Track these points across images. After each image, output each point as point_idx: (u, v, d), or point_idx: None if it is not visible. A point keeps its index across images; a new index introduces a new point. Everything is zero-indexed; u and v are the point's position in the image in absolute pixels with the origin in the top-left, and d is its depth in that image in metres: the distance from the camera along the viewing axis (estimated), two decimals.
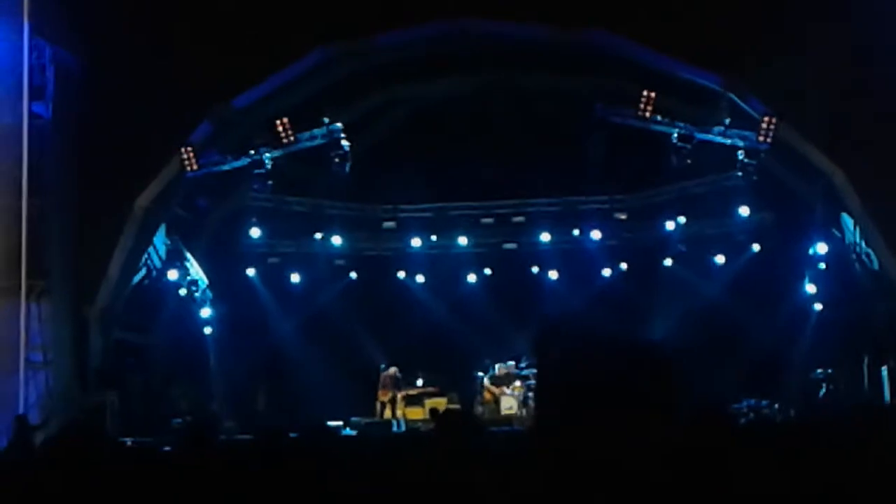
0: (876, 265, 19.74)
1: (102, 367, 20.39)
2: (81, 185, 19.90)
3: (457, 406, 23.69)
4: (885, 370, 19.49)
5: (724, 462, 3.72)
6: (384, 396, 23.77)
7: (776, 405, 21.36)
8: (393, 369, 24.08)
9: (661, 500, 2.83)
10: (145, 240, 21.25)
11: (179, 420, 20.12)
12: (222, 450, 4.92)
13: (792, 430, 5.05)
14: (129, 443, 13.50)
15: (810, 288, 23.16)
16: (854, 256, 20.73)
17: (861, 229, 19.95)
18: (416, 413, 23.47)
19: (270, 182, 21.41)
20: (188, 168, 20.38)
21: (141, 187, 20.37)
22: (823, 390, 21.99)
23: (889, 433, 3.44)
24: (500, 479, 3.73)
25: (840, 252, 21.51)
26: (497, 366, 24.23)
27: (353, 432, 21.10)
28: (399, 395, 23.78)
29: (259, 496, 3.90)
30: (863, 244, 20.05)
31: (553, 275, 26.57)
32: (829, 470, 3.42)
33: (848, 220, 20.42)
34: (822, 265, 22.48)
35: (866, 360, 20.39)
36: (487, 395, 23.86)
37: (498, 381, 24.01)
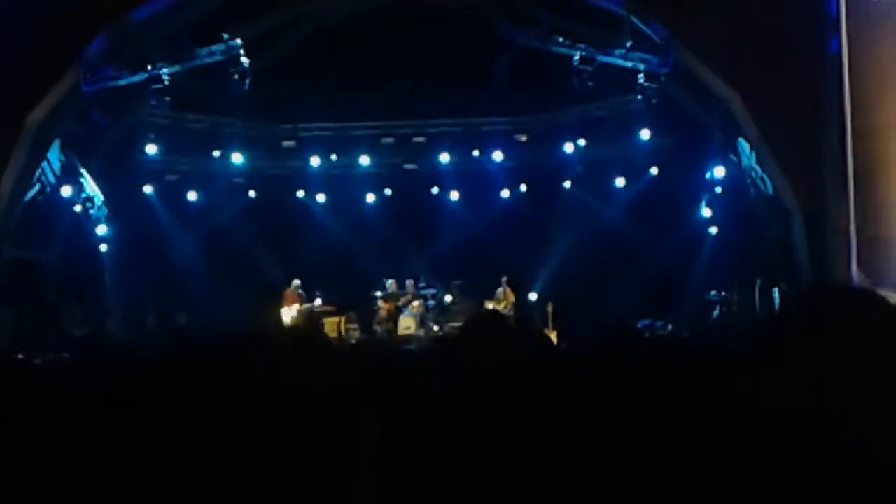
0: (770, 189, 20.05)
1: None
2: None
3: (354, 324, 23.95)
4: (776, 292, 19.88)
5: (635, 378, 3.78)
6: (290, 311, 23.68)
7: (670, 326, 21.75)
8: (295, 283, 24.05)
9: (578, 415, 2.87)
10: (38, 155, 20.70)
11: (74, 337, 19.87)
12: (115, 365, 4.87)
13: (686, 349, 5.15)
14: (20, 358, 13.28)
15: (706, 211, 23.55)
16: (749, 181, 21.01)
17: (756, 154, 20.22)
18: None
19: (168, 98, 21.02)
20: (83, 83, 19.92)
21: (34, 102, 19.84)
22: (717, 312, 22.44)
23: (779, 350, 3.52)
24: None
25: (736, 176, 21.79)
26: (389, 282, 24.30)
27: None
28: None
29: (157, 412, 3.88)
30: (758, 169, 20.32)
31: (454, 195, 26.64)
32: (719, 388, 3.49)
33: (744, 145, 20.67)
34: (719, 189, 22.83)
35: (758, 283, 20.77)
36: (384, 314, 23.93)
37: (390, 297, 24.10)
